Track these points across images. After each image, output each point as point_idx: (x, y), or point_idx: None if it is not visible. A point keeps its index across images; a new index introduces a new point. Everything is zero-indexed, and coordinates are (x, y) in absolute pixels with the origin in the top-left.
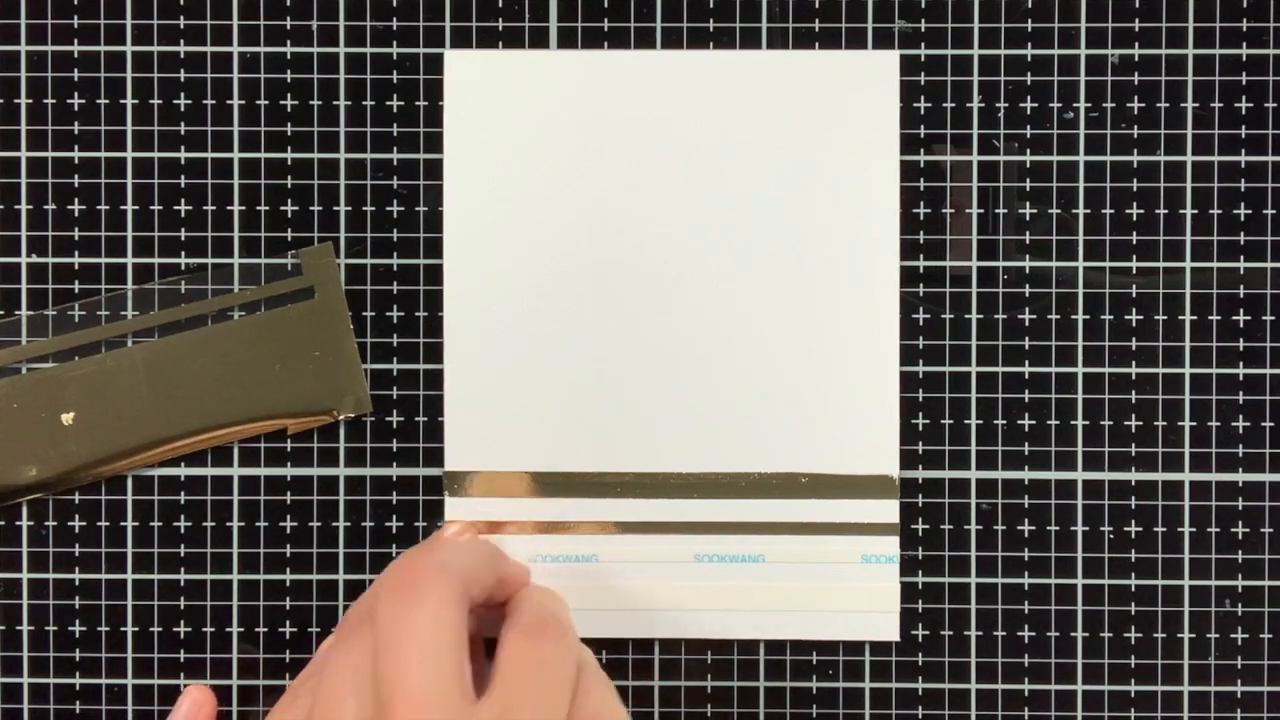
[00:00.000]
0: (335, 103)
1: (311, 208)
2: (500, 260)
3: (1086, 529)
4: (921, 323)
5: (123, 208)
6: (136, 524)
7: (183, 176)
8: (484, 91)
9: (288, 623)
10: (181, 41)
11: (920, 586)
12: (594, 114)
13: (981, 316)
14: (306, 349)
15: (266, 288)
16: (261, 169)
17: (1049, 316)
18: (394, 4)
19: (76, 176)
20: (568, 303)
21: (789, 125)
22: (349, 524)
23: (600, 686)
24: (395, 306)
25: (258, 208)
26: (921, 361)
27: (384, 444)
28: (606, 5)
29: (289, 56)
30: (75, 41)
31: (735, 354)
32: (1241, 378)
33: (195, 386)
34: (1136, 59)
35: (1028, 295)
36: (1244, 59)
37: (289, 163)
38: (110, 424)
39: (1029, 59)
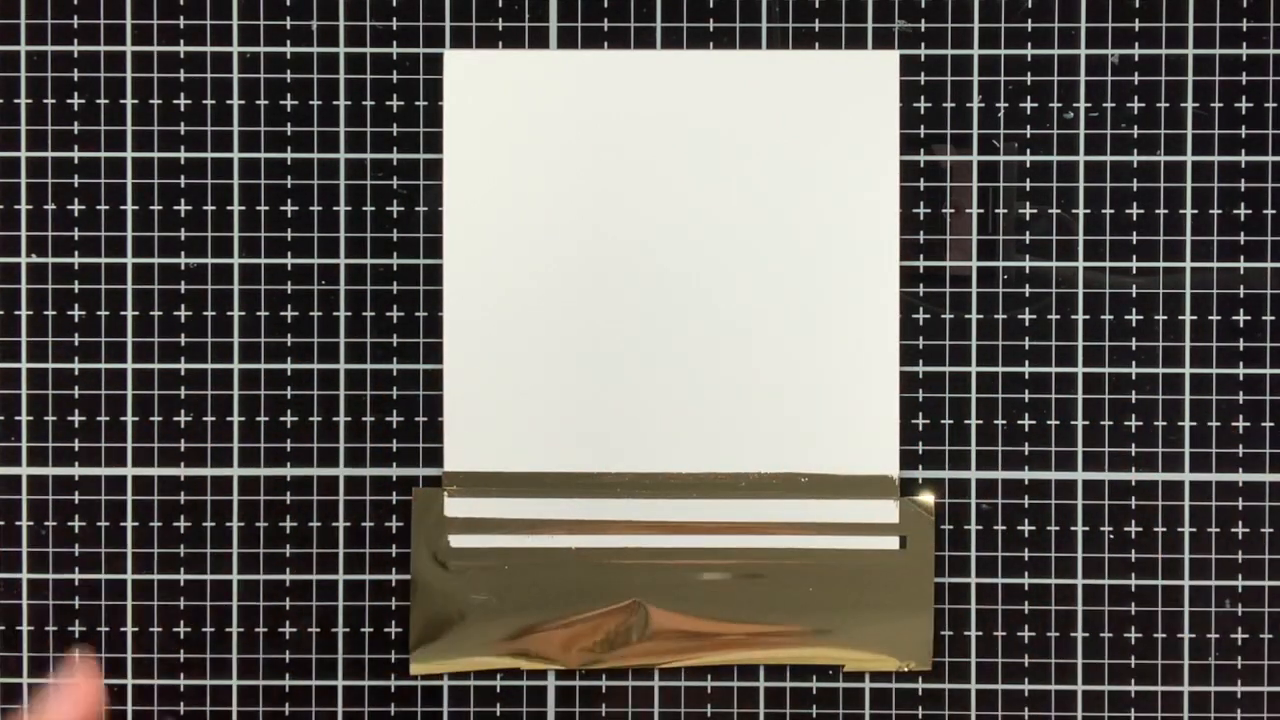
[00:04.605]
0: (335, 103)
1: (311, 208)
2: (500, 260)
3: (1086, 529)
4: (921, 323)
5: (123, 208)
6: (136, 524)
7: (183, 176)
8: (484, 91)
9: (287, 623)
10: (181, 41)
11: None
12: (594, 114)
13: (981, 316)
14: None
15: None
16: (261, 169)
17: (1049, 316)
18: (394, 4)
19: (76, 176)
20: (567, 302)
21: (789, 125)
22: (349, 524)
23: None
24: (395, 306)
25: (258, 208)
26: (921, 361)
27: (384, 444)
28: (606, 5)
29: (289, 56)
30: (75, 41)
31: (735, 354)
32: (1241, 378)
33: None
34: (1136, 59)
35: (1028, 295)
36: (1244, 59)
37: (289, 163)
38: None
39: (1029, 59)
